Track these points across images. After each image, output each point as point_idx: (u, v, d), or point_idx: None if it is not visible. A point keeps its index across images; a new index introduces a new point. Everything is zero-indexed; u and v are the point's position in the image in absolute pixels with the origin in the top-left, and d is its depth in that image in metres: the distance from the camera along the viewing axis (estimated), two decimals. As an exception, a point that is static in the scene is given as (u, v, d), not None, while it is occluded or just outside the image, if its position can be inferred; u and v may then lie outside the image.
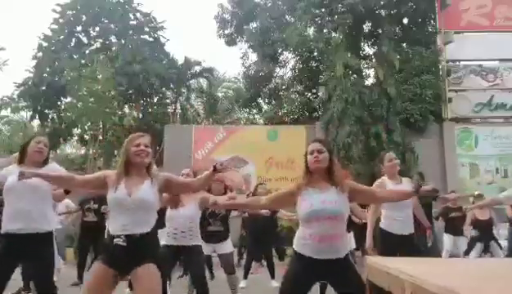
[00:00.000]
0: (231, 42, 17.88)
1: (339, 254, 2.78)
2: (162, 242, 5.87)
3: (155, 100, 18.75)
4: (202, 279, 4.20)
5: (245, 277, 6.95)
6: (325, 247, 2.74)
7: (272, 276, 6.99)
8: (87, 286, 2.67)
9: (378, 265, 1.85)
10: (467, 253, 7.77)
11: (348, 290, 2.75)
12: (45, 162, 3.42)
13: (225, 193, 5.19)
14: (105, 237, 2.87)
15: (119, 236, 2.62)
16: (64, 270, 7.50)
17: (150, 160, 2.82)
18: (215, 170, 2.78)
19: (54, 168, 3.42)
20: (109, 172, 2.86)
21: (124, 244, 2.59)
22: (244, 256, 8.44)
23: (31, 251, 3.18)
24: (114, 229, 2.67)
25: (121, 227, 2.64)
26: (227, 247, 5.21)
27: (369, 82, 15.85)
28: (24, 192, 3.17)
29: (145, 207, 2.69)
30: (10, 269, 3.21)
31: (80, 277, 7.08)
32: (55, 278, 6.14)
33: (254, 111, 19.63)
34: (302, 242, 2.84)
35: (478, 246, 7.77)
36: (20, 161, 3.37)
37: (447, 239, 8.09)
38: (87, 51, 17.66)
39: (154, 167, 2.98)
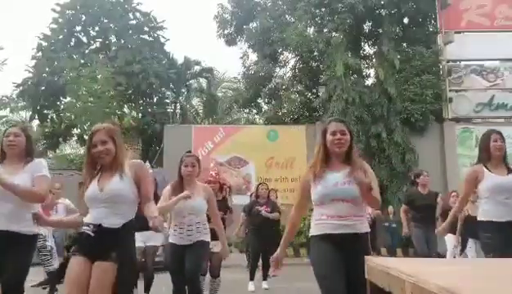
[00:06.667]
0: (231, 41, 17.87)
1: (356, 229, 2.70)
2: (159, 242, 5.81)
3: (155, 100, 18.73)
4: (195, 276, 3.91)
5: (252, 278, 6.83)
6: (342, 224, 2.67)
7: (264, 277, 6.93)
8: (67, 280, 2.61)
9: (378, 265, 1.82)
10: (462, 251, 7.73)
11: (355, 275, 2.47)
12: (28, 152, 3.23)
13: (221, 191, 5.18)
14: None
15: (87, 225, 2.59)
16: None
17: (112, 156, 2.65)
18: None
19: (37, 167, 3.20)
20: (84, 177, 2.78)
21: (92, 234, 2.56)
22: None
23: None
24: (87, 219, 2.64)
25: (93, 218, 2.61)
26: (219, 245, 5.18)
27: (369, 82, 15.86)
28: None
29: (117, 200, 2.61)
30: None
31: None
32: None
33: (254, 111, 19.61)
34: (318, 223, 2.76)
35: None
36: (2, 159, 3.21)
37: (449, 239, 8.01)
38: (86, 51, 17.65)
39: (147, 164, 2.91)
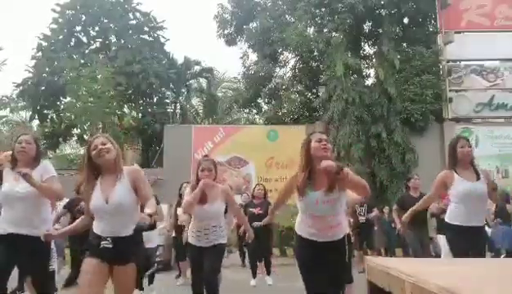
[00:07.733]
0: (231, 41, 17.87)
1: (334, 237, 3.04)
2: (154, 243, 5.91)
3: (155, 100, 18.74)
4: (212, 278, 3.96)
5: (254, 276, 7.10)
6: (319, 234, 3.03)
7: (268, 273, 7.09)
8: (82, 281, 2.72)
9: (378, 265, 1.82)
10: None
11: (331, 273, 2.99)
12: (36, 159, 3.43)
13: None
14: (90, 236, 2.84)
15: (105, 238, 2.68)
16: (63, 271, 7.48)
17: (114, 154, 2.78)
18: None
19: (46, 168, 3.42)
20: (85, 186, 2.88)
21: (111, 246, 2.67)
22: (247, 255, 8.53)
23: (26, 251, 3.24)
24: (99, 231, 2.74)
25: (105, 230, 2.71)
26: None
27: (369, 82, 15.84)
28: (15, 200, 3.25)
29: (123, 210, 2.73)
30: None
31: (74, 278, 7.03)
32: (56, 279, 6.16)
33: (254, 111, 19.61)
34: (302, 227, 3.13)
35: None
36: (14, 165, 3.41)
37: (442, 240, 7.96)
38: (86, 51, 17.66)
39: (140, 167, 2.95)
